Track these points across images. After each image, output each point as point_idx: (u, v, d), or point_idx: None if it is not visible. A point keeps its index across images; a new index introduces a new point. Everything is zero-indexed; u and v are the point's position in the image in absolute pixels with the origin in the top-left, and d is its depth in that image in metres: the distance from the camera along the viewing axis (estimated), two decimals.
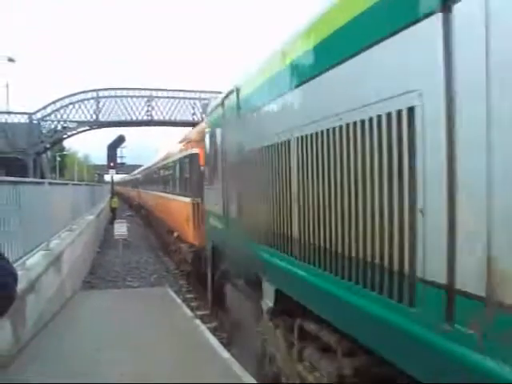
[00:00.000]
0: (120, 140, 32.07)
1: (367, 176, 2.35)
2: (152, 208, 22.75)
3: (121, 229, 11.83)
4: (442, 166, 1.76)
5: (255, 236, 4.44)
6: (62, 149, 59.44)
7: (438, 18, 1.79)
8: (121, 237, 11.93)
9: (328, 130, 2.78)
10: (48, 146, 37.57)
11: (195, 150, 10.14)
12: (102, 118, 36.76)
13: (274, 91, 3.78)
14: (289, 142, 3.52)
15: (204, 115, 9.04)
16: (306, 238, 3.23)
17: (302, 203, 3.31)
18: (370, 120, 2.29)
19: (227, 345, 5.98)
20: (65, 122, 35.92)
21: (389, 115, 2.13)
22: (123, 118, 37.26)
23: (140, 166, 42.75)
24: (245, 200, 4.88)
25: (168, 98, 38.25)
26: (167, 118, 38.03)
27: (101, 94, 37.18)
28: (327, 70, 2.80)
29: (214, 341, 5.89)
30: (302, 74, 3.23)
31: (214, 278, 7.00)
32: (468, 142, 1.66)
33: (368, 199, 2.35)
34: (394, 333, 2.12)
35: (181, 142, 12.83)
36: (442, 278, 1.79)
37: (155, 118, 37.99)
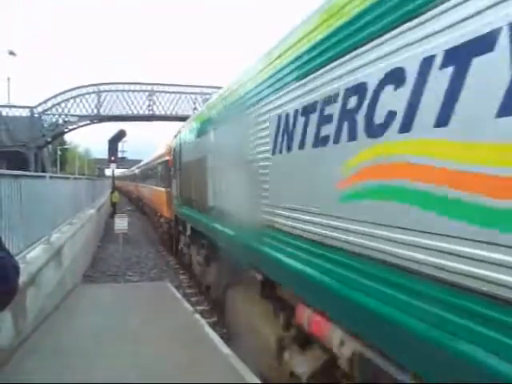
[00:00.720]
0: (121, 134, 31.98)
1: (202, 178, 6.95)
2: (145, 197, 28.71)
3: (121, 223, 11.82)
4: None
5: (184, 203, 9.48)
6: (63, 143, 59.46)
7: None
8: (121, 231, 11.92)
9: (195, 159, 7.88)
10: (49, 139, 37.55)
11: (167, 158, 14.80)
12: (103, 113, 36.74)
13: (190, 136, 8.69)
14: (189, 162, 8.61)
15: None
16: (197, 201, 7.71)
17: (196, 188, 7.82)
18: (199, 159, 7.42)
19: (227, 339, 6.00)
20: (66, 115, 35.89)
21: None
22: (124, 113, 37.22)
23: (141, 160, 42.79)
24: (181, 186, 9.94)
25: (169, 92, 38.18)
26: (168, 112, 37.98)
27: (102, 88, 37.12)
28: (196, 138, 7.96)
29: (213, 335, 5.91)
30: (190, 137, 8.67)
31: (176, 235, 12.67)
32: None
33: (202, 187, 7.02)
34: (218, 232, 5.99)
35: (161, 151, 18.09)
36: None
37: (156, 112, 37.95)
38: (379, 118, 2.31)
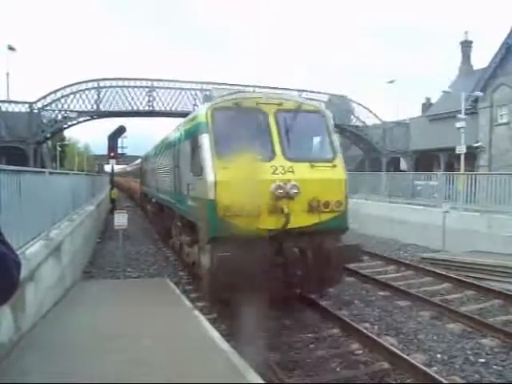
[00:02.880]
0: (120, 130, 31.90)
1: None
2: (132, 187, 40.43)
3: (121, 220, 11.80)
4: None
5: (143, 185, 25.03)
6: (63, 138, 59.30)
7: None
8: (121, 228, 11.90)
9: (145, 168, 24.50)
10: (48, 135, 37.34)
11: (140, 166, 27.99)
12: (102, 108, 36.58)
13: (146, 159, 23.58)
14: (144, 168, 25.52)
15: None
16: (145, 183, 24.00)
17: (144, 178, 24.56)
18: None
19: (227, 335, 6.01)
20: (65, 111, 35.77)
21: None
22: (124, 109, 37.09)
23: (140, 156, 42.69)
24: (142, 178, 25.84)
25: (169, 88, 38.03)
26: (168, 108, 37.84)
27: (102, 83, 36.97)
28: (145, 161, 25.49)
29: (213, 332, 5.91)
30: (146, 159, 23.77)
31: (142, 199, 26.57)
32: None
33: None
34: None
35: (138, 161, 31.79)
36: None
37: (156, 108, 37.79)
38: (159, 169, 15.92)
